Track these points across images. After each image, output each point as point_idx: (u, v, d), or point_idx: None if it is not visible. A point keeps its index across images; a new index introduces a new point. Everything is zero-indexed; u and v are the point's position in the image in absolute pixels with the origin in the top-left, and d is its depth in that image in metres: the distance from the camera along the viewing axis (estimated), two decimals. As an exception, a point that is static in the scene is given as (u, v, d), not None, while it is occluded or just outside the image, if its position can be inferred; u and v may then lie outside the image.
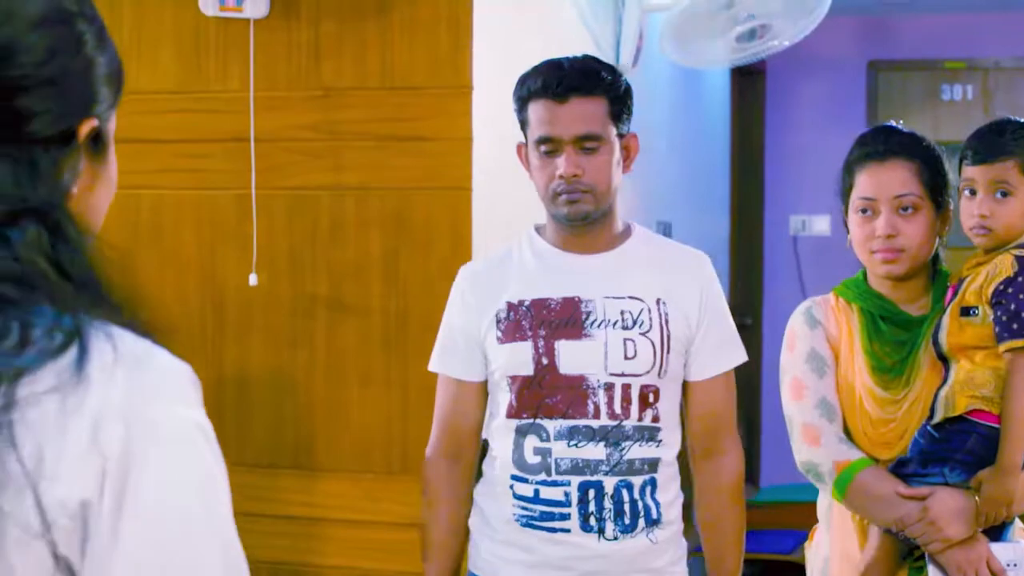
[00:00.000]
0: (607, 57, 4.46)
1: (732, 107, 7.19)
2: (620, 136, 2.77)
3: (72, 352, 1.10)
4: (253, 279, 3.58)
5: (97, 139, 1.25)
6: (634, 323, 2.73)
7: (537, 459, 2.72)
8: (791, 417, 2.77)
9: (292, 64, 3.60)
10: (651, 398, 2.73)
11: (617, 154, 2.76)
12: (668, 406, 2.77)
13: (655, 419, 2.73)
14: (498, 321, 2.77)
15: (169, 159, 3.68)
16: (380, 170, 3.54)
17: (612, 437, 2.70)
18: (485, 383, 2.83)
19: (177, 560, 1.11)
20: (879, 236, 2.68)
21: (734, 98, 7.20)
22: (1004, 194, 2.60)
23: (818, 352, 2.76)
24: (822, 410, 2.72)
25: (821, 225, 7.44)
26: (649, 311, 2.74)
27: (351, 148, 3.56)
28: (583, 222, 2.75)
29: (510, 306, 2.77)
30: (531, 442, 2.73)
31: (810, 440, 2.71)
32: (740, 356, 2.86)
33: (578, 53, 2.82)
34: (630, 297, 2.75)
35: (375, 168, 3.55)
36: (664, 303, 2.76)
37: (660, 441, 2.74)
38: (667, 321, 2.75)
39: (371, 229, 3.55)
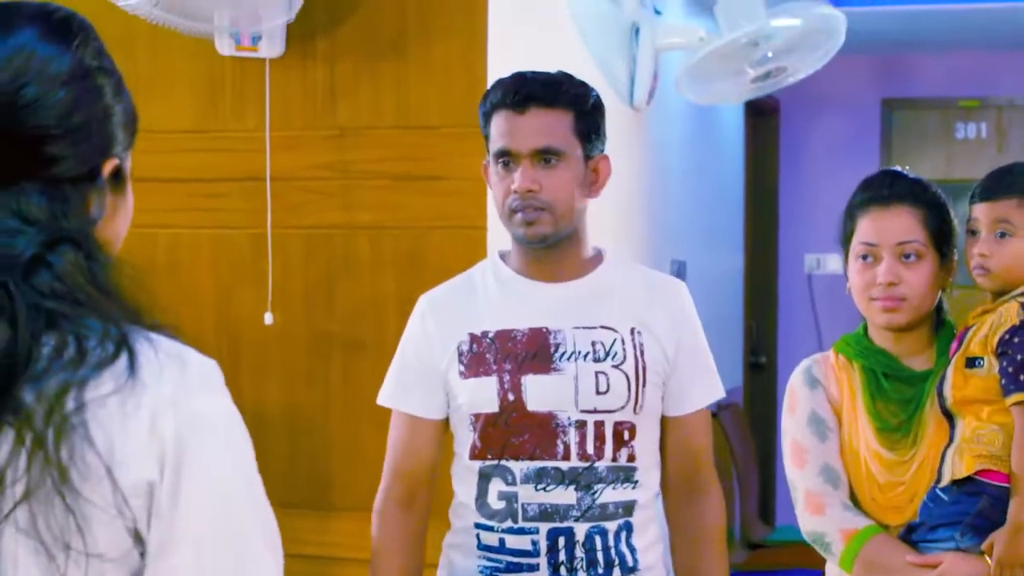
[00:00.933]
0: (622, 96, 4.47)
1: (746, 145, 7.19)
2: (588, 158, 2.57)
3: (123, 358, 1.27)
4: (269, 318, 3.59)
5: (117, 175, 1.39)
6: (606, 355, 2.53)
7: (502, 504, 2.52)
8: (794, 483, 2.64)
9: (308, 104, 3.61)
10: (626, 435, 2.53)
11: (581, 174, 2.55)
12: (645, 444, 2.57)
13: (631, 458, 2.54)
14: (460, 354, 2.56)
15: (185, 198, 3.69)
16: (395, 209, 3.55)
17: (583, 480, 2.50)
18: (443, 421, 2.62)
19: (226, 527, 1.30)
20: (880, 283, 2.55)
21: (748, 136, 7.21)
22: (1003, 234, 2.54)
23: (819, 415, 2.62)
24: (825, 476, 2.59)
25: (835, 263, 7.41)
26: (623, 342, 2.54)
27: (366, 187, 3.57)
28: (542, 244, 2.55)
29: (473, 338, 2.56)
30: (496, 486, 2.53)
31: (814, 509, 2.58)
32: (720, 390, 2.70)
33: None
34: (602, 327, 2.55)
35: (390, 207, 3.55)
36: (639, 333, 2.56)
37: (636, 482, 2.54)
38: (642, 352, 2.55)
39: (386, 268, 3.56)
